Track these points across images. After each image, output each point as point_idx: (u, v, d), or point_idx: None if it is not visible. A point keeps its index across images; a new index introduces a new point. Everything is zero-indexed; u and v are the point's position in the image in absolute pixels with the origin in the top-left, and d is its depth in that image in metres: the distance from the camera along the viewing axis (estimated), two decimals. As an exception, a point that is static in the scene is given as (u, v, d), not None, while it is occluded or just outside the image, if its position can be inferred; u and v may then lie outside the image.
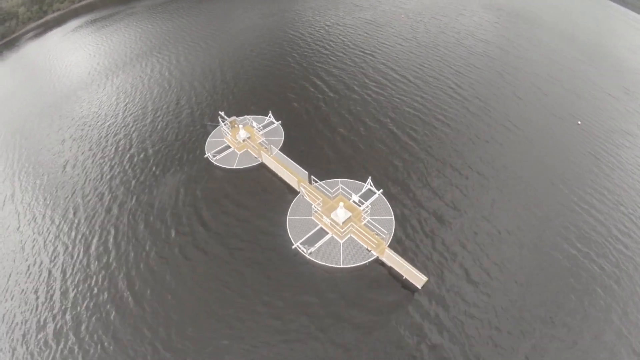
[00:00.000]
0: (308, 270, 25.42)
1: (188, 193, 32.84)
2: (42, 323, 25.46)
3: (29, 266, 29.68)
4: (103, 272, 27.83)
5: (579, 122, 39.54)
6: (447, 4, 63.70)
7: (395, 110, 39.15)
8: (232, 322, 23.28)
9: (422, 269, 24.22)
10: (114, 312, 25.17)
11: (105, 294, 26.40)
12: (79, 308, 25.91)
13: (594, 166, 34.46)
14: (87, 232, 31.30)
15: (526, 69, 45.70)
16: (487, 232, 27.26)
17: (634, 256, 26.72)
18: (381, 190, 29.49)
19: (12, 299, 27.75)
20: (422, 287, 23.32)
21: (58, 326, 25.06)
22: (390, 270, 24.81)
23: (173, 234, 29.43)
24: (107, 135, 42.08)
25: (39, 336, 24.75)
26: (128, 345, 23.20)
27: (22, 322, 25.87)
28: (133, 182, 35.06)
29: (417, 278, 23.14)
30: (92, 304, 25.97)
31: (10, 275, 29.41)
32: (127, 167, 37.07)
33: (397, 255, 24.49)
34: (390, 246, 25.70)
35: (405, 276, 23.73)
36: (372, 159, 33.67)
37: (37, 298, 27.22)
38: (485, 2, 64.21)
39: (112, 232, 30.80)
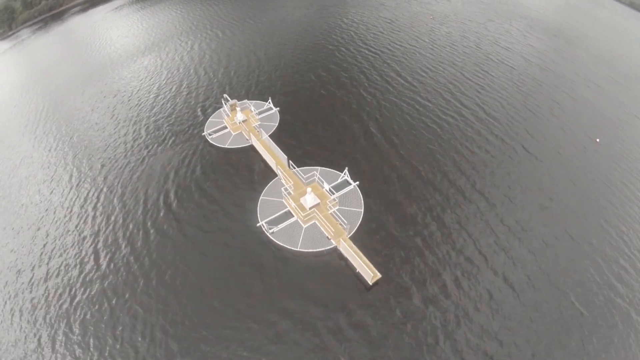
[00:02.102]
0: (265, 249, 25.64)
1: (182, 165, 34.45)
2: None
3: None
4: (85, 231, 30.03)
5: (598, 140, 36.48)
6: (480, 10, 61.33)
7: (387, 110, 38.13)
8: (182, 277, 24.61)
9: (379, 266, 23.42)
10: (86, 268, 27.02)
11: (81, 251, 28.43)
12: (54, 261, 28.11)
13: (604, 196, 30.78)
14: (89, 196, 33.78)
15: (548, 82, 42.95)
16: (461, 246, 25.49)
17: (625, 304, 23.33)
18: (357, 183, 29.09)
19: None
20: (372, 284, 22.63)
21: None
22: (347, 262, 24.26)
23: (162, 198, 31.20)
24: (122, 109, 44.85)
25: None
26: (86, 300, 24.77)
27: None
28: (137, 152, 37.11)
29: (368, 273, 22.45)
30: (66, 257, 28.02)
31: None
32: (133, 139, 39.20)
33: (354, 247, 23.97)
34: (353, 238, 25.18)
35: (358, 269, 23.11)
36: (356, 154, 33.01)
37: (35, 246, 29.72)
38: (521, 12, 61.11)
39: (113, 194, 33.23)
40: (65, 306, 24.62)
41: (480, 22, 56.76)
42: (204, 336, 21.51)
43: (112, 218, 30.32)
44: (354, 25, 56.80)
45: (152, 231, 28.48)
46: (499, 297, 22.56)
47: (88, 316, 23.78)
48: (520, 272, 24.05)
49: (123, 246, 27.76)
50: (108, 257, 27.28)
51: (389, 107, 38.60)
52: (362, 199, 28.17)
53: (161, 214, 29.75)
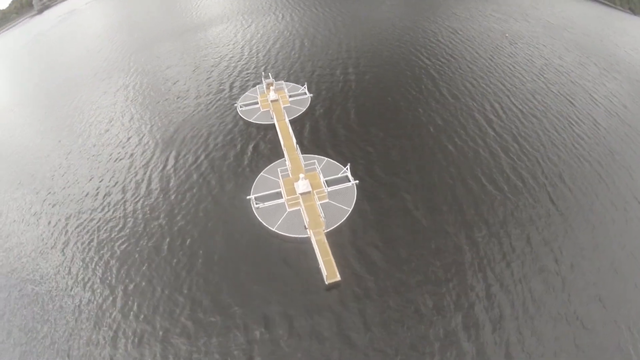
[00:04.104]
0: (244, 222, 25.85)
1: (207, 129, 36.36)
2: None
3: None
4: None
5: None
6: (561, 38, 53.94)
7: (414, 119, 35.43)
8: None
9: (344, 270, 22.08)
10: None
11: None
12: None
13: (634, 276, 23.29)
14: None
15: (609, 127, 36.30)
16: (432, 291, 21.68)
17: None
18: (357, 182, 27.71)
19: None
20: (329, 284, 21.42)
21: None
22: (315, 256, 23.39)
23: (184, 152, 33.73)
24: (178, 70, 48.41)
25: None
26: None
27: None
28: (179, 111, 39.87)
29: (326, 272, 21.45)
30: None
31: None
32: (177, 99, 42.29)
33: (324, 243, 23.02)
34: (329, 234, 24.12)
35: (320, 266, 22.17)
36: (367, 155, 31.25)
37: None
38: (608, 49, 52.59)
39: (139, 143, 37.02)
40: (63, 228, 27.90)
41: (555, 50, 50.22)
42: (152, 288, 22.55)
43: (125, 162, 33.26)
44: (413, 29, 53.66)
45: (153, 183, 30.51)
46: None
47: (80, 242, 26.51)
48: (489, 340, 19.54)
49: (124, 191, 30.38)
50: (110, 195, 30.09)
51: (415, 116, 35.75)
52: (355, 199, 26.73)
53: (165, 170, 31.64)
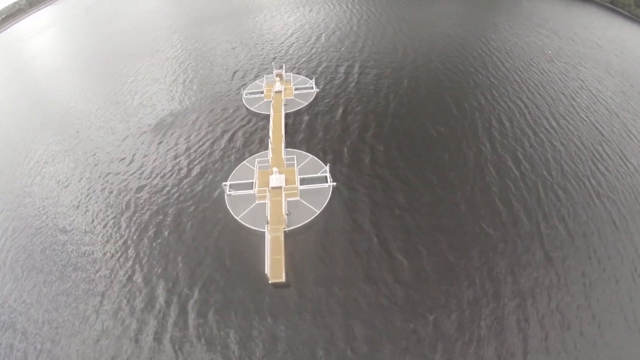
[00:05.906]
0: (212, 206, 25.31)
1: (209, 112, 36.33)
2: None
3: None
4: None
5: None
6: (607, 62, 47.57)
7: (408, 127, 32.81)
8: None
9: (293, 274, 20.67)
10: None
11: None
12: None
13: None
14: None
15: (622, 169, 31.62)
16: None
17: None
18: (334, 184, 25.94)
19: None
20: (273, 284, 20.11)
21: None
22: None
23: (178, 133, 34.06)
24: (199, 58, 49.45)
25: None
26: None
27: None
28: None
29: (271, 271, 20.19)
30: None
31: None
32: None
33: (280, 241, 21.75)
34: (289, 234, 22.75)
35: (268, 263, 20.83)
36: (354, 159, 29.05)
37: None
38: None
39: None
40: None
41: (596, 73, 44.38)
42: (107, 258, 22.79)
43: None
44: (441, 35, 49.98)
45: (143, 159, 30.98)
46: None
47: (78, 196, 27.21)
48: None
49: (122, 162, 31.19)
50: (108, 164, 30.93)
51: (409, 123, 33.09)
52: (327, 201, 24.96)
53: (156, 148, 32.02)
